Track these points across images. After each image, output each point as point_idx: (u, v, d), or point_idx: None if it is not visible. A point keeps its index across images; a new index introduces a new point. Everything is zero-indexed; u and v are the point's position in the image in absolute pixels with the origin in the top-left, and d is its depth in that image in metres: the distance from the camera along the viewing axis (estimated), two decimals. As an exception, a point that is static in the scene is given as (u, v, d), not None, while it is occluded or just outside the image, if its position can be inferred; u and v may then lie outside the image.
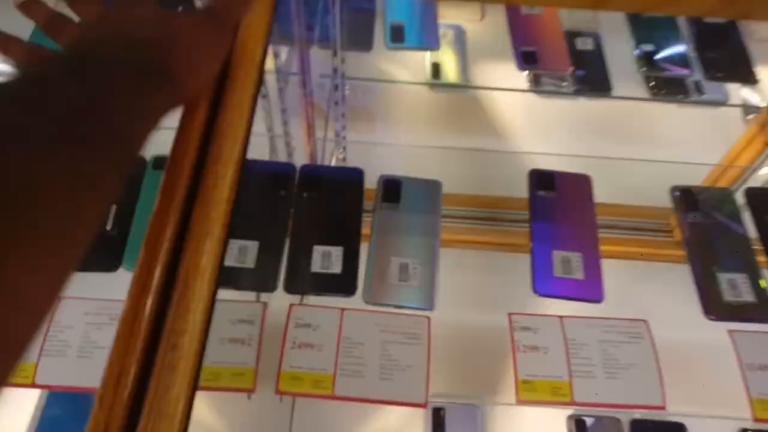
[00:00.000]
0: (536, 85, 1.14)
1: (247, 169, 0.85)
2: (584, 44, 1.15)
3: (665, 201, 1.14)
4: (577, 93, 1.13)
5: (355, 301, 0.74)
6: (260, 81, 0.55)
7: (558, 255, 0.78)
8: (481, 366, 0.97)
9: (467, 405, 0.98)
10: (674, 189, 0.88)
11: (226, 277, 0.74)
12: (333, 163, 0.93)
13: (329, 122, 0.92)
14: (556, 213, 0.82)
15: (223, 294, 0.77)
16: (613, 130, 1.28)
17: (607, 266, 0.78)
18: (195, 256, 0.45)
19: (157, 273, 0.43)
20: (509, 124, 1.23)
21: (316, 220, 0.79)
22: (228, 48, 0.52)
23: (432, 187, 0.83)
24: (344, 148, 0.96)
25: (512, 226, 1.09)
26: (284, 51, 0.91)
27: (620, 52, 1.18)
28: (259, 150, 0.91)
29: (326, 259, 0.76)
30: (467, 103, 1.28)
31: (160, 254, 0.44)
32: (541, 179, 0.85)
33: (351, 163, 1.00)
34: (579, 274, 0.77)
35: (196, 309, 0.44)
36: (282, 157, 0.94)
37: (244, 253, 0.76)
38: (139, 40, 0.42)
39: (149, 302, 0.43)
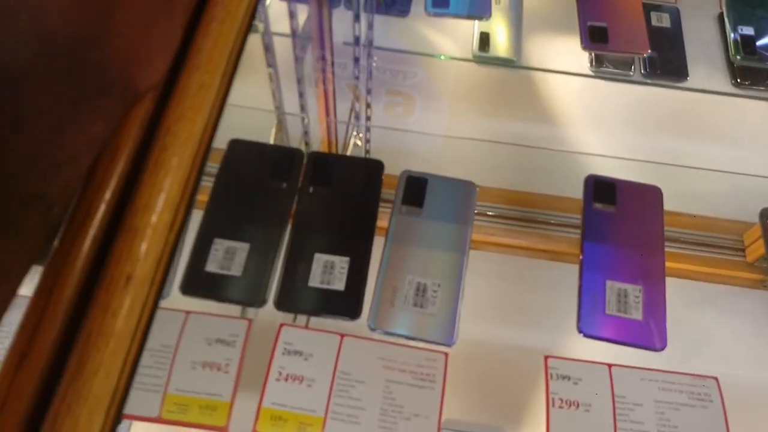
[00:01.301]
0: (599, 66, 0.98)
1: (244, 151, 0.72)
2: (660, 20, 0.97)
3: (740, 214, 0.97)
4: (648, 80, 0.96)
5: (359, 327, 0.61)
6: (241, 47, 0.41)
7: (613, 287, 0.63)
8: (504, 393, 0.83)
9: (487, 436, 0.85)
10: (766, 212, 0.71)
11: (206, 285, 0.62)
12: (350, 150, 0.79)
13: (353, 101, 0.77)
14: (615, 232, 0.67)
15: (200, 305, 0.65)
16: (686, 126, 1.10)
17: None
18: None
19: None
20: (564, 110, 1.07)
21: (321, 221, 0.65)
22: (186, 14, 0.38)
23: (465, 190, 0.69)
24: (366, 133, 0.81)
25: (556, 230, 0.93)
26: (303, 10, 0.77)
27: (701, 32, 1.00)
28: (263, 129, 0.78)
29: (328, 271, 0.62)
30: (517, 82, 1.11)
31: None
32: (600, 189, 0.69)
33: (373, 150, 0.85)
34: (637, 314, 0.62)
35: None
36: (293, 141, 0.80)
37: (230, 256, 0.63)
38: (51, 33, 0.28)
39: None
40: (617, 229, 0.67)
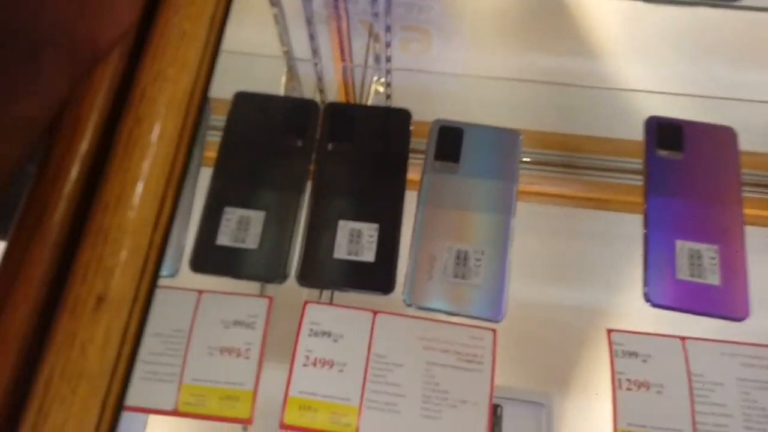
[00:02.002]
0: (645, -13, 0.86)
1: (251, 106, 0.64)
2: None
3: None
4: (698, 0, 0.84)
5: (393, 302, 0.54)
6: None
7: (684, 247, 0.55)
8: (550, 356, 0.76)
9: (530, 402, 0.78)
10: None
11: (219, 260, 0.55)
12: (371, 100, 0.70)
13: (370, 40, 0.67)
14: (684, 183, 0.58)
15: (214, 283, 0.58)
16: (742, 53, 0.98)
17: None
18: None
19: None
20: (604, 40, 0.95)
21: (343, 182, 0.57)
22: None
23: (507, 139, 0.60)
24: (387, 77, 0.72)
25: (605, 176, 0.84)
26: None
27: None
28: (271, 79, 0.68)
29: (355, 240, 0.55)
30: (548, 10, 1.00)
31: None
32: (664, 132, 0.60)
33: (397, 97, 0.76)
34: (713, 278, 0.54)
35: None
36: (306, 91, 0.71)
37: (244, 227, 0.55)
38: None
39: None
40: (686, 180, 0.58)
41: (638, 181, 0.80)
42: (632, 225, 0.76)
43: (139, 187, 0.26)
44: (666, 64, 0.92)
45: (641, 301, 0.56)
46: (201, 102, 0.29)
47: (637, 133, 0.82)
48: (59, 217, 0.25)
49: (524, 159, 0.84)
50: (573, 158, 0.83)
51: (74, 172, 0.26)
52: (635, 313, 0.61)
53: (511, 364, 0.75)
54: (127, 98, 0.28)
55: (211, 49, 0.31)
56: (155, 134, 0.27)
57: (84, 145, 0.27)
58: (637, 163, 0.80)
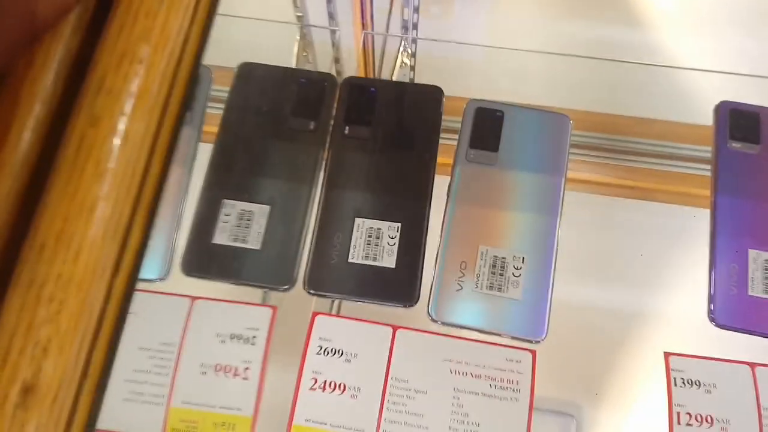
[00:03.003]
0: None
1: (257, 79, 0.55)
2: None
3: None
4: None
5: (416, 317, 0.46)
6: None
7: (758, 258, 0.47)
8: (584, 364, 0.69)
9: (559, 413, 0.72)
10: None
11: (215, 262, 0.47)
12: (396, 75, 0.61)
13: (392, 6, 0.58)
14: (761, 182, 0.49)
15: (209, 289, 0.51)
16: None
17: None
18: None
19: None
20: (653, 8, 0.85)
21: (362, 173, 0.49)
22: None
23: (555, 125, 0.51)
24: (413, 47, 0.63)
25: (659, 163, 0.75)
26: None
27: None
28: (283, 48, 0.59)
29: (374, 241, 0.47)
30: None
31: None
32: (738, 121, 0.51)
33: (424, 72, 0.66)
34: (793, 296, 0.46)
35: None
36: (321, 63, 0.62)
37: (245, 223, 0.47)
38: None
39: None
40: (764, 178, 0.49)
41: (692, 169, 0.72)
42: (683, 218, 0.68)
43: (93, 221, 0.18)
44: (725, 36, 0.82)
45: (690, 307, 0.49)
46: (184, 95, 0.21)
47: (690, 115, 0.74)
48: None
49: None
50: (617, 141, 0.74)
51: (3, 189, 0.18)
52: (689, 316, 0.54)
53: (539, 371, 0.68)
54: (80, 86, 0.20)
55: (201, 18, 0.22)
56: (116, 140, 0.19)
57: (16, 156, 0.19)
58: (693, 149, 0.72)
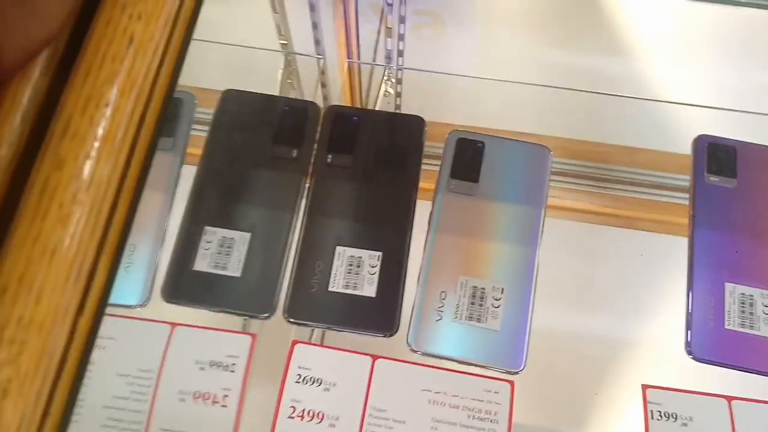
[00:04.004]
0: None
1: (239, 107, 0.56)
2: None
3: None
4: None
5: (396, 346, 0.47)
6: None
7: (735, 291, 0.47)
8: (567, 390, 0.69)
9: (543, 440, 0.71)
10: None
11: (195, 289, 0.47)
12: (379, 104, 0.62)
13: (380, 35, 0.59)
14: (737, 216, 0.50)
15: (189, 316, 0.51)
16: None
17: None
18: None
19: None
20: (643, 38, 0.86)
21: (344, 202, 0.50)
22: None
23: (536, 155, 0.52)
24: (399, 74, 0.63)
25: (639, 191, 0.76)
26: None
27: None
28: (266, 75, 0.60)
29: (355, 270, 0.47)
30: (590, 4, 0.91)
31: None
32: (716, 155, 0.52)
33: (409, 99, 0.67)
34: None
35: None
36: (307, 89, 0.63)
37: (226, 250, 0.48)
38: None
39: None
40: (740, 211, 0.50)
41: (674, 198, 0.72)
42: (666, 246, 0.69)
43: (55, 264, 0.19)
44: (709, 67, 0.84)
45: (670, 337, 0.49)
46: (152, 139, 0.22)
47: (674, 145, 0.75)
48: None
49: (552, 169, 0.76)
50: (601, 170, 0.75)
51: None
52: (667, 346, 0.54)
53: (523, 397, 0.68)
54: (47, 130, 0.20)
55: (171, 60, 0.23)
56: (81, 183, 0.19)
57: (-21, 198, 0.19)
58: (674, 178, 0.73)
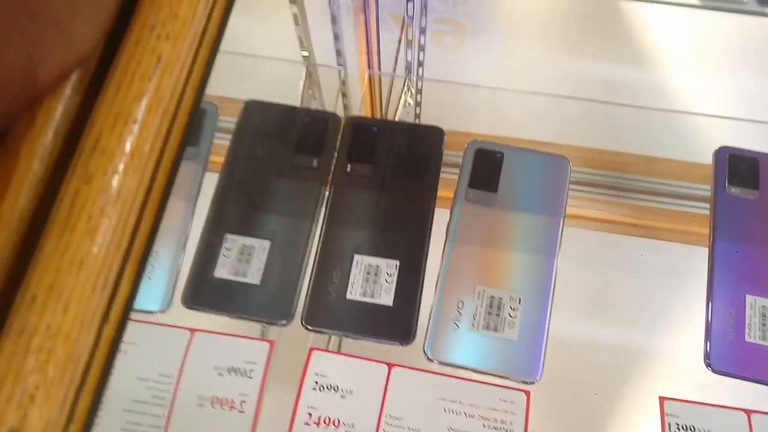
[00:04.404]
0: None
1: (261, 118, 0.57)
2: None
3: None
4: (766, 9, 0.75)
5: (412, 355, 0.47)
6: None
7: (755, 304, 0.47)
8: (585, 403, 0.68)
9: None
10: None
11: (215, 295, 0.48)
12: (399, 112, 0.62)
13: (401, 45, 0.60)
14: (759, 228, 0.50)
15: (208, 322, 0.52)
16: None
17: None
18: None
19: None
20: (661, 48, 0.86)
21: (362, 211, 0.50)
22: None
23: (554, 166, 0.52)
24: (419, 84, 0.64)
25: (659, 201, 0.75)
26: None
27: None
28: (288, 85, 0.61)
29: (372, 279, 0.48)
30: (602, 13, 0.91)
31: None
32: (737, 166, 0.52)
33: (429, 109, 0.68)
34: (790, 343, 0.46)
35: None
36: (328, 100, 0.64)
37: (246, 258, 0.48)
38: None
39: None
40: (762, 224, 0.50)
41: (694, 208, 0.72)
42: (685, 256, 0.68)
43: (82, 274, 0.19)
44: (728, 77, 0.83)
45: (689, 348, 0.49)
46: (177, 153, 0.22)
47: (692, 154, 0.74)
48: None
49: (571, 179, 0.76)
50: (621, 179, 0.74)
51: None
52: (686, 358, 0.53)
53: (540, 407, 0.68)
54: (76, 149, 0.21)
55: (196, 79, 0.24)
56: (109, 197, 0.20)
57: (13, 212, 0.20)
58: (693, 187, 0.72)
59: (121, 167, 0.21)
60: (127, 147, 0.21)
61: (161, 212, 0.22)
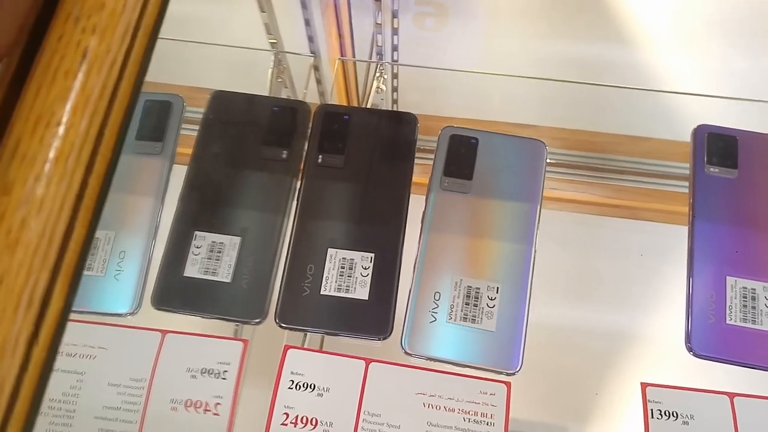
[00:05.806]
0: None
1: (231, 108, 0.55)
2: None
3: None
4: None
5: (390, 349, 0.46)
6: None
7: (736, 285, 0.46)
8: (568, 385, 0.68)
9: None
10: None
11: (186, 295, 0.46)
12: (371, 98, 0.61)
13: (378, 15, 0.57)
14: (738, 208, 0.49)
15: (179, 322, 0.50)
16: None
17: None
18: None
19: None
20: (641, 27, 0.85)
21: (335, 203, 0.49)
22: None
23: (530, 151, 0.50)
24: (394, 69, 0.62)
25: (637, 181, 0.74)
26: None
27: None
28: (257, 75, 0.59)
29: (347, 273, 0.46)
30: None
31: None
32: (715, 146, 0.50)
33: (408, 95, 0.66)
34: (772, 324, 0.45)
35: None
36: (297, 89, 0.62)
37: (216, 255, 0.47)
38: None
39: None
40: (741, 203, 0.49)
41: (674, 187, 0.71)
42: (669, 237, 0.67)
43: (0, 296, 0.18)
44: (711, 55, 0.82)
45: (676, 328, 0.48)
46: (113, 155, 0.21)
47: (674, 133, 0.73)
48: None
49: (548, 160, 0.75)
50: (600, 160, 0.73)
51: None
52: (668, 342, 0.53)
53: (524, 393, 0.67)
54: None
55: (132, 73, 0.22)
56: (31, 207, 0.19)
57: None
58: (676, 166, 0.71)
59: (44, 174, 0.19)
60: (51, 152, 0.19)
61: (96, 220, 0.21)
